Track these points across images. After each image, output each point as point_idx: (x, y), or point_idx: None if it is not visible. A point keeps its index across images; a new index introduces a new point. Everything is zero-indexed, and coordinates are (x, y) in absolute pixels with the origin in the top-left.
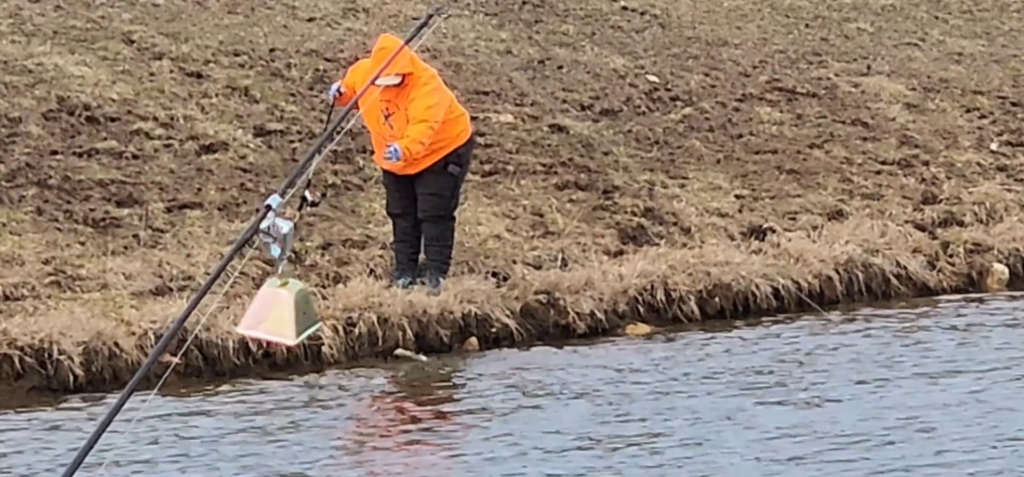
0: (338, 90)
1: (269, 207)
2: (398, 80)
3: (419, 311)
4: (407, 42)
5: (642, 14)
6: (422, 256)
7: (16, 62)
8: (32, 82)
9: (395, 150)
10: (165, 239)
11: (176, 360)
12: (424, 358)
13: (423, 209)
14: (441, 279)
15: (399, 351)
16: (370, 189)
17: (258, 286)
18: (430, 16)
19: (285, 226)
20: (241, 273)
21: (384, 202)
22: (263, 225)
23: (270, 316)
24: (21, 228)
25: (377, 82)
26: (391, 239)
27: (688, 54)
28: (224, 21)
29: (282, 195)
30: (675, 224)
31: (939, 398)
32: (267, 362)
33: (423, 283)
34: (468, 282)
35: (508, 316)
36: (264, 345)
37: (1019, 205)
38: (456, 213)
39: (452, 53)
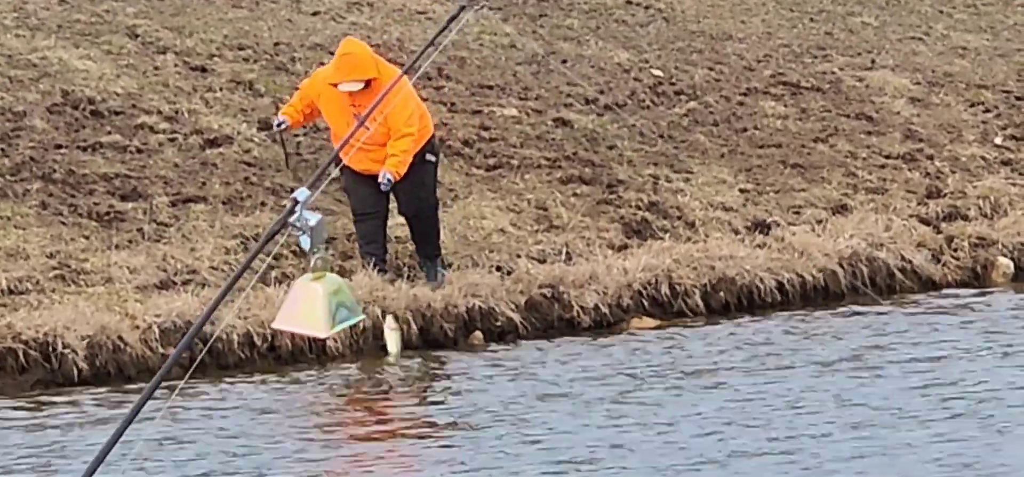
0: (280, 123)
1: (297, 201)
2: (361, 85)
3: (423, 305)
4: (438, 35)
5: (646, 8)
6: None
7: (20, 56)
8: (36, 76)
9: (388, 179)
10: (169, 233)
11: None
12: (395, 343)
13: (409, 206)
14: (442, 270)
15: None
16: None
17: (264, 281)
18: (463, 7)
19: (313, 218)
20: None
21: None
22: (292, 219)
23: (302, 310)
24: (25, 222)
25: (339, 87)
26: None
27: (692, 48)
28: (228, 15)
29: (311, 188)
30: (679, 218)
31: None
32: (271, 356)
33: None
34: (472, 276)
35: (512, 310)
36: (269, 339)
37: None
38: (438, 201)
39: (456, 47)
